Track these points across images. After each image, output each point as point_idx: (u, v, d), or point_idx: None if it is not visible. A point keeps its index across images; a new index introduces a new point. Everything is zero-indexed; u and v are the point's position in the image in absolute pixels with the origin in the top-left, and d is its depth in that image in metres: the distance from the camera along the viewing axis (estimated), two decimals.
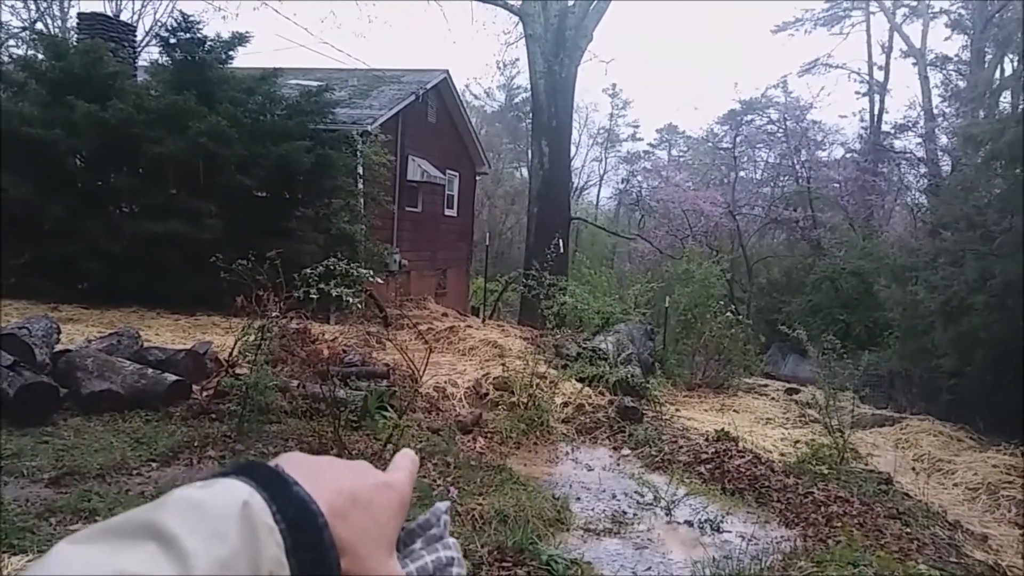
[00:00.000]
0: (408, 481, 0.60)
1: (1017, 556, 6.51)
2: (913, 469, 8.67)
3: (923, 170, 24.55)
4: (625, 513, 5.91)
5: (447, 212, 20.25)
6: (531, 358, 8.96)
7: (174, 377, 6.64)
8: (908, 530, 5.68)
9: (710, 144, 34.37)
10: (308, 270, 6.59)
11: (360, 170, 13.86)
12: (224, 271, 6.52)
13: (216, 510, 0.46)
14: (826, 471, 7.17)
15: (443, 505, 0.67)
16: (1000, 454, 9.34)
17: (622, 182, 36.93)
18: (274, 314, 6.16)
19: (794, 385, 14.13)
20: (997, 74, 21.66)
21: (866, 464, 8.21)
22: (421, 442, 6.48)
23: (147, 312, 10.83)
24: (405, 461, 0.63)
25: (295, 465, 0.54)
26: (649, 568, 4.97)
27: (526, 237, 21.08)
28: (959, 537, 6.17)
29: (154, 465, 5.26)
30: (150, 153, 11.25)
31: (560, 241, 19.12)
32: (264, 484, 0.49)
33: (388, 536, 0.55)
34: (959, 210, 13.51)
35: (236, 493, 0.48)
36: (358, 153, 13.80)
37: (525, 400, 8.07)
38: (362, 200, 13.75)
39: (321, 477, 0.53)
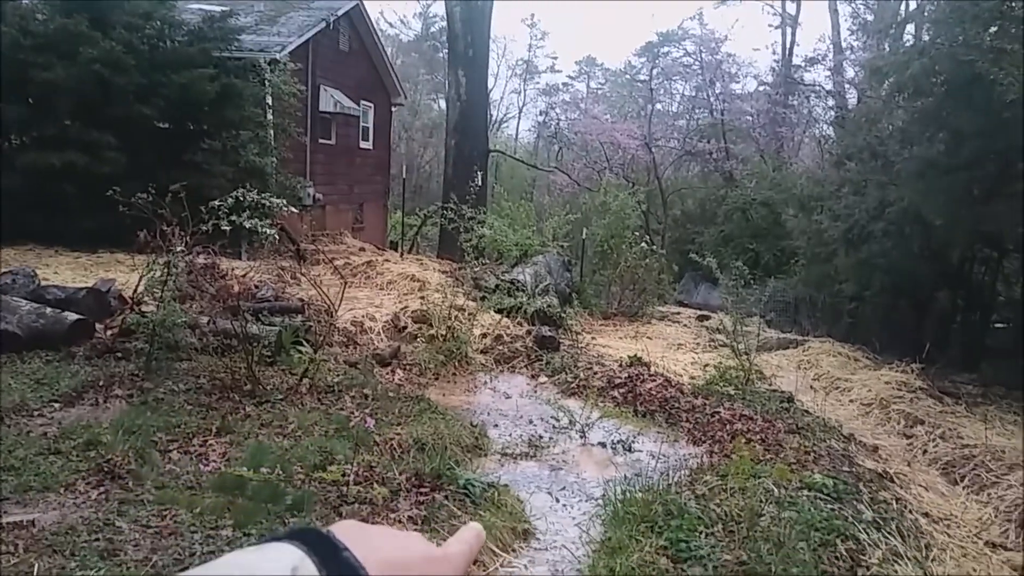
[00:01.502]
0: (466, 555, 0.60)
1: (903, 464, 7.01)
2: (812, 387, 9.16)
3: (831, 103, 25.20)
4: (541, 437, 6.08)
5: (362, 144, 19.76)
6: (450, 291, 8.98)
7: (75, 316, 6.39)
8: (806, 443, 6.02)
9: (628, 76, 34.38)
10: (217, 202, 6.34)
11: (269, 100, 13.32)
12: (124, 205, 6.21)
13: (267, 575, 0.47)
14: (732, 392, 7.50)
15: None
16: (893, 371, 9.94)
17: (541, 115, 36.65)
18: (179, 249, 5.94)
19: (705, 312, 14.62)
20: (903, 8, 22.23)
21: (770, 384, 8.62)
22: (338, 376, 6.46)
23: (44, 250, 10.30)
24: (470, 534, 0.63)
25: (348, 532, 0.54)
26: (564, 488, 5.14)
27: (444, 170, 20.80)
28: (852, 448, 6.59)
29: (57, 406, 5.08)
30: (38, 80, 10.53)
31: (479, 174, 18.98)
32: (315, 549, 0.50)
33: None
34: (863, 141, 13.98)
35: (287, 558, 0.48)
36: (266, 83, 13.24)
37: (444, 332, 8.10)
38: (272, 132, 13.26)
39: (372, 546, 0.53)
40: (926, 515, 5.53)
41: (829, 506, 4.58)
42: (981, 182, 10.90)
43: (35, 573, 3.08)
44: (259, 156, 12.37)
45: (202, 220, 6.06)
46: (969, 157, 10.43)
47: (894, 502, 5.25)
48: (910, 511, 5.28)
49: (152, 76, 11.24)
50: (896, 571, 4.05)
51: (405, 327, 8.58)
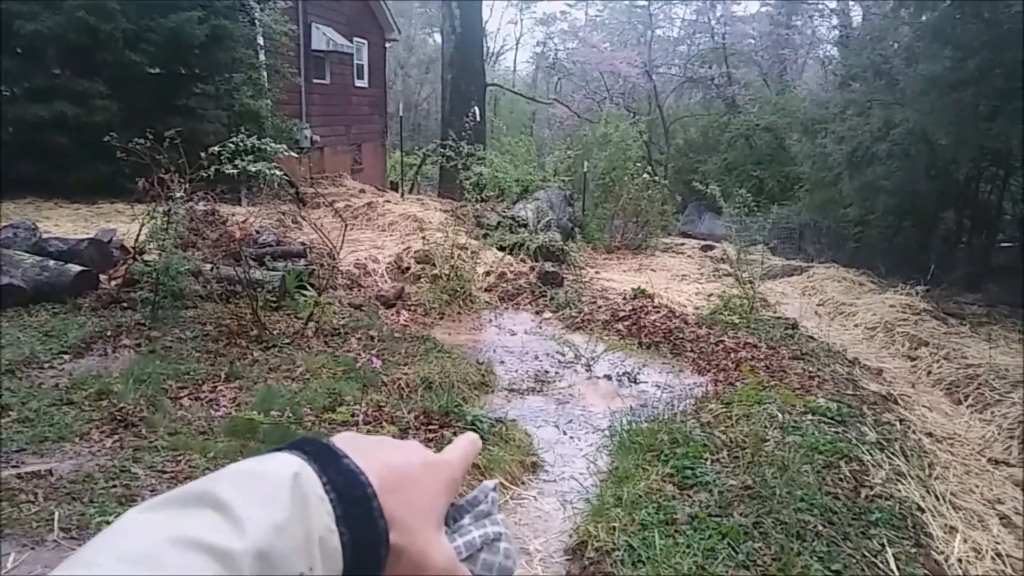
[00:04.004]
0: (462, 460, 0.62)
1: (907, 385, 7.07)
2: (817, 313, 9.18)
3: (835, 22, 24.60)
4: (547, 372, 6.13)
5: (358, 83, 19.43)
6: (451, 230, 8.95)
7: (79, 267, 6.39)
8: (810, 369, 6.06)
9: (627, 2, 33.53)
10: (216, 148, 6.27)
11: (261, 40, 13.06)
12: (121, 151, 6.15)
13: (269, 480, 0.48)
14: (736, 320, 7.52)
15: (491, 483, 0.67)
16: (897, 294, 9.94)
17: (538, 45, 35.93)
18: (179, 195, 5.90)
19: (709, 242, 14.57)
20: None
21: (774, 312, 8.64)
22: (343, 318, 6.49)
23: (43, 203, 10.24)
24: (464, 442, 0.65)
25: (347, 442, 0.55)
26: (570, 420, 5.21)
27: (442, 107, 20.51)
28: (857, 372, 6.64)
29: (66, 357, 5.13)
30: (23, 31, 10.31)
31: (477, 109, 18.68)
32: (315, 456, 0.51)
33: (437, 511, 0.57)
34: (867, 60, 13.69)
35: (288, 465, 0.50)
36: (256, 22, 12.95)
37: (447, 272, 8.10)
38: (265, 73, 13.04)
39: (372, 454, 0.54)
40: (930, 435, 5.61)
41: (833, 429, 4.63)
42: (987, 98, 10.69)
43: (55, 520, 3.15)
44: (253, 99, 12.20)
45: (201, 166, 6.01)
46: (975, 72, 10.21)
47: (898, 423, 5.31)
48: (914, 431, 5.35)
49: (139, 21, 10.99)
50: (899, 490, 4.12)
51: (408, 268, 8.58)
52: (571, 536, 3.57)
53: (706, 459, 4.14)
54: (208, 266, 6.27)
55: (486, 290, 8.40)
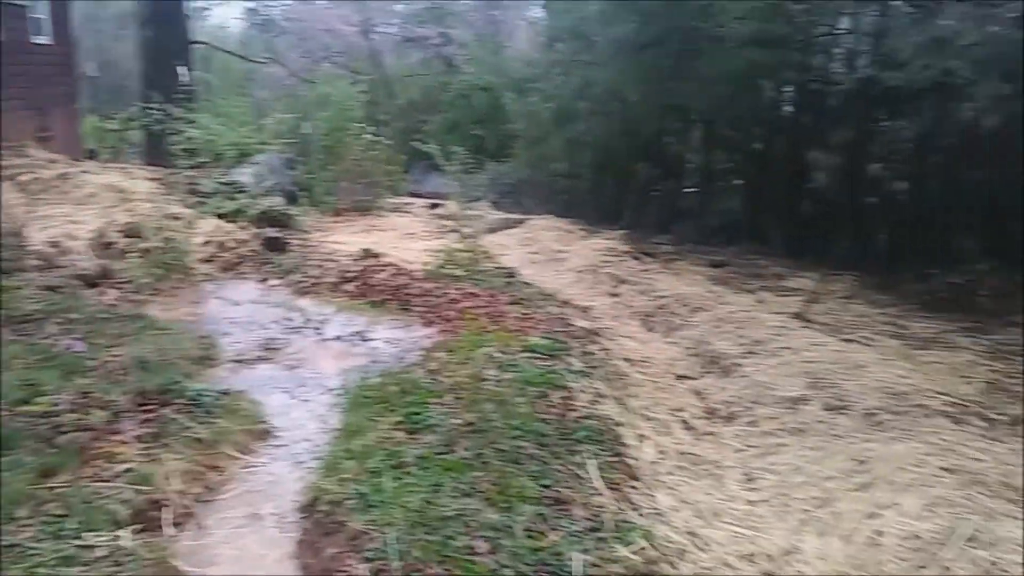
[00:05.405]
0: None
1: (611, 320, 7.93)
2: (533, 261, 9.90)
3: None
4: (276, 340, 6.04)
5: (38, 40, 17.10)
6: (162, 199, 8.37)
7: None
8: (526, 312, 6.57)
9: None
10: None
11: None
12: None
13: None
14: (461, 273, 7.89)
15: None
16: (602, 240, 11.01)
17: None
18: None
19: (437, 200, 14.96)
20: None
21: (496, 263, 9.17)
22: (37, 303, 5.86)
23: None
24: None
25: None
26: (302, 384, 5.21)
27: (143, 67, 18.76)
28: (568, 311, 7.30)
29: None
30: None
31: (184, 68, 17.36)
32: None
33: None
34: (568, 21, 14.72)
35: None
36: None
37: (160, 244, 7.59)
38: None
39: None
40: (627, 360, 6.37)
41: (545, 363, 5.11)
42: (668, 59, 12.04)
43: None
44: None
45: None
46: (656, 36, 11.44)
47: (600, 353, 5.97)
48: (613, 358, 6.05)
49: None
50: (601, 410, 4.67)
51: (114, 243, 7.89)
52: (304, 494, 3.63)
53: (433, 404, 4.38)
54: None
55: (205, 261, 8.00)
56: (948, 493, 3.95)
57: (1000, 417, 5.23)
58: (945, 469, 4.23)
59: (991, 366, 6.65)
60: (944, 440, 4.67)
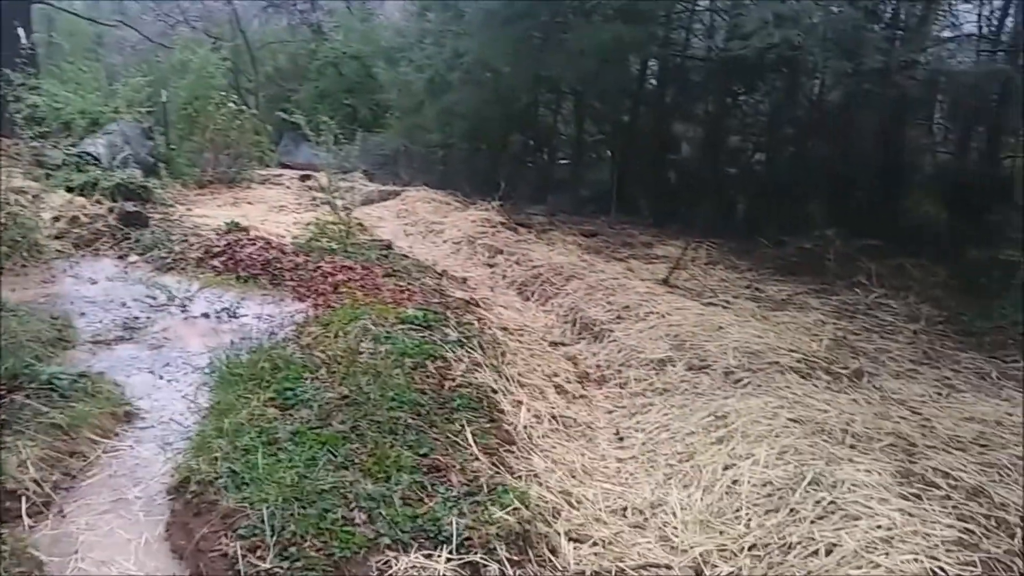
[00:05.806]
0: None
1: (487, 290, 8.03)
2: (409, 233, 9.86)
3: None
4: (137, 319, 5.76)
5: None
6: (3, 172, 7.74)
7: None
8: (402, 284, 6.57)
9: None
10: None
11: None
12: None
13: None
14: (334, 246, 7.77)
15: None
16: (478, 211, 11.08)
17: None
18: None
19: (308, 172, 14.56)
20: None
21: (371, 235, 9.08)
22: None
23: None
24: None
25: None
26: (168, 364, 5.00)
27: None
28: (444, 282, 7.35)
29: None
30: None
31: (22, 30, 15.96)
32: None
33: None
34: None
35: None
36: None
37: (3, 220, 7.04)
38: None
39: None
40: (504, 329, 6.48)
41: (420, 334, 5.12)
42: (537, 31, 12.13)
43: None
44: None
45: None
46: (525, 7, 11.50)
47: (477, 322, 6.04)
48: (490, 328, 6.14)
49: None
50: (477, 378, 4.75)
51: None
52: (173, 476, 3.52)
53: (306, 378, 4.32)
54: None
55: (56, 237, 7.50)
56: (796, 442, 4.28)
57: (842, 371, 5.69)
58: (794, 420, 4.58)
59: (837, 324, 7.21)
60: (794, 394, 5.04)
